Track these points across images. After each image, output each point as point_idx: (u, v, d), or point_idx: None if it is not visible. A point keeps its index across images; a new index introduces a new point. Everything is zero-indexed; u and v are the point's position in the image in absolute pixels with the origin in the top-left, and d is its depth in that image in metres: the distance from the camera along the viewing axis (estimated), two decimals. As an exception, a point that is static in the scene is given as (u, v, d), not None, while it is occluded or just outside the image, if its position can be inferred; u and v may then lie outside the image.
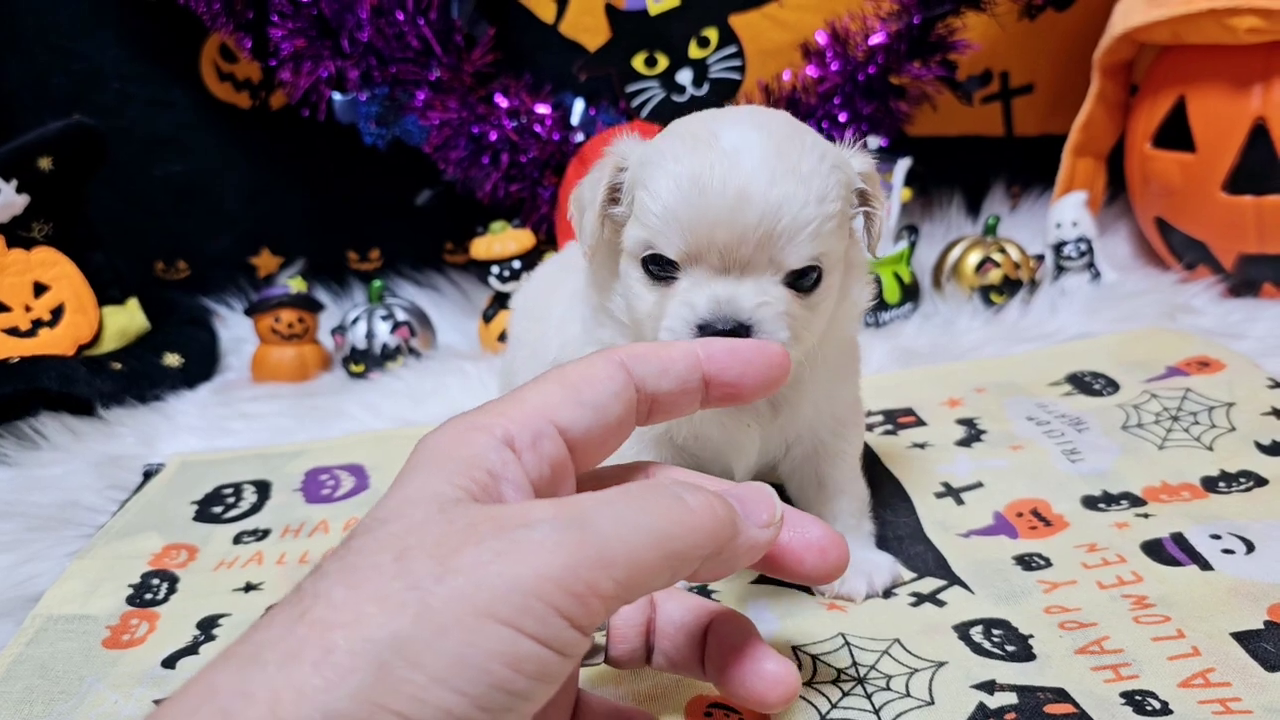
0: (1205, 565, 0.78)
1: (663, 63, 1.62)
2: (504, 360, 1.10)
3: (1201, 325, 1.28)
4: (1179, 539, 0.81)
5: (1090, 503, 0.89)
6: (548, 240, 1.57)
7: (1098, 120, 1.54)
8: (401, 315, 1.46)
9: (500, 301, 1.45)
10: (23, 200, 1.37)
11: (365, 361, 1.44)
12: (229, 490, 1.10)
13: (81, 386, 1.31)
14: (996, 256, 1.44)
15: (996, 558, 0.82)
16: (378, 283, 1.50)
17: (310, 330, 1.50)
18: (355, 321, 1.46)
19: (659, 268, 0.69)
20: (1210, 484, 0.90)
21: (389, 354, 1.44)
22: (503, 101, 1.53)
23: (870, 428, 1.08)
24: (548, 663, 0.42)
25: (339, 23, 1.46)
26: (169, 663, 0.78)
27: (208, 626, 0.83)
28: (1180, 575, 0.77)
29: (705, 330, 0.64)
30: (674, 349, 0.54)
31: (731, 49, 1.61)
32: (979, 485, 0.94)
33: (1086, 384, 1.13)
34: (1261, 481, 0.89)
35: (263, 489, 1.10)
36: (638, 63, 1.62)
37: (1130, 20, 1.39)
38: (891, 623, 0.74)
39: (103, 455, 1.21)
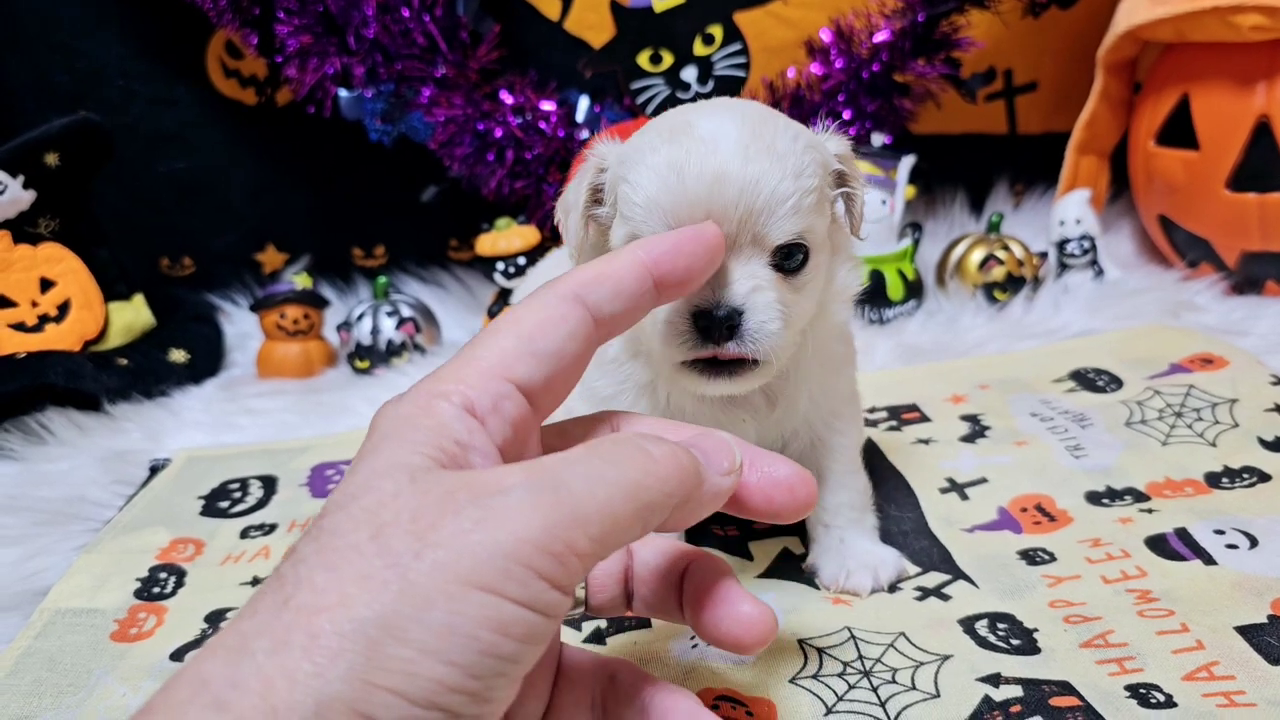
0: (1209, 560, 0.78)
1: (667, 60, 1.62)
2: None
3: (1204, 322, 1.28)
4: (1183, 534, 0.82)
5: (1094, 498, 0.90)
6: (552, 237, 1.57)
7: (1101, 118, 1.54)
8: (407, 311, 1.47)
9: (505, 298, 1.46)
10: (29, 196, 1.37)
11: (370, 358, 1.44)
12: (235, 485, 1.10)
13: (88, 382, 1.31)
14: (1000, 254, 1.44)
15: (1001, 553, 0.83)
16: (383, 279, 1.51)
17: (315, 326, 1.50)
18: (360, 318, 1.46)
19: None
20: (1214, 480, 0.91)
21: (394, 350, 1.44)
22: (508, 98, 1.53)
23: (874, 423, 1.09)
24: (533, 625, 0.42)
25: (345, 19, 1.46)
26: (177, 656, 0.79)
27: (215, 620, 0.84)
28: (1184, 570, 0.77)
29: (699, 319, 0.65)
30: (620, 263, 0.54)
31: (736, 46, 1.61)
32: (983, 481, 0.94)
33: (1090, 380, 1.13)
34: (1265, 477, 0.90)
35: (269, 484, 1.10)
36: (643, 60, 1.62)
37: (1134, 18, 1.40)
38: (897, 617, 0.75)
39: (109, 450, 1.21)
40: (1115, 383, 1.11)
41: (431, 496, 0.43)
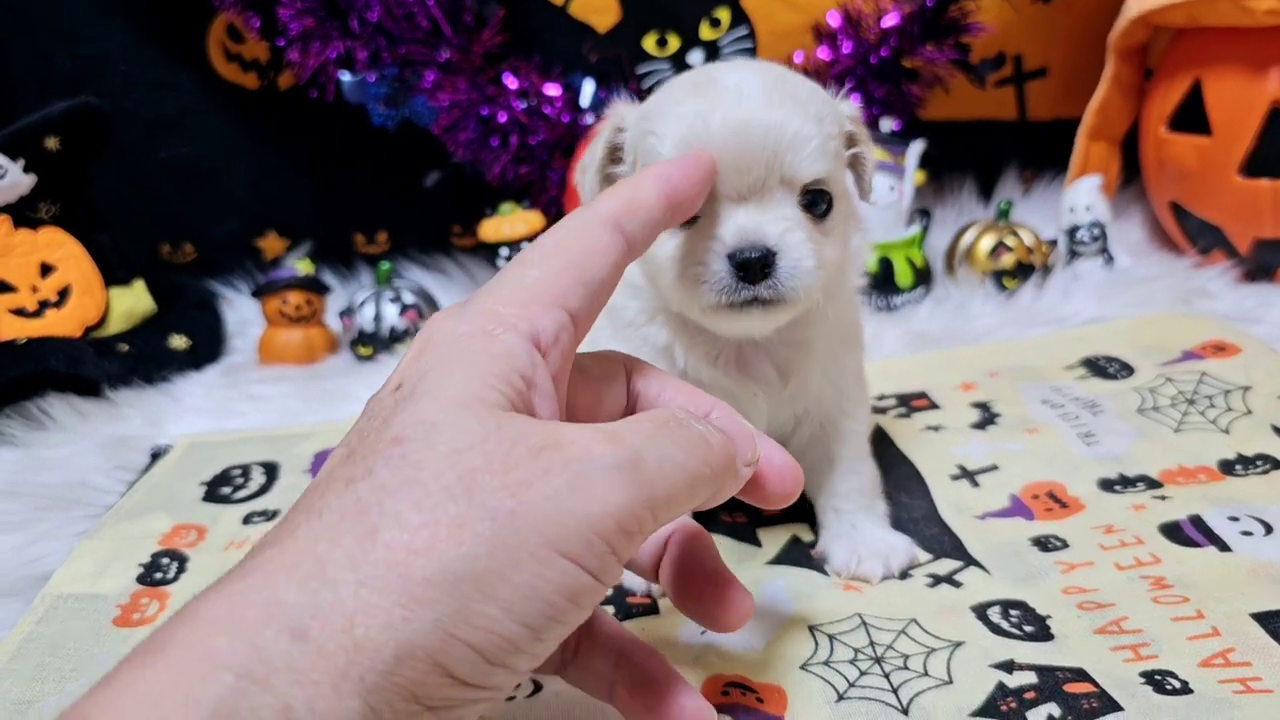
0: (1224, 547, 0.77)
1: (674, 44, 1.61)
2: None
3: (1216, 310, 1.26)
4: (1197, 521, 0.81)
5: (1107, 485, 0.89)
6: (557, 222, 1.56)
7: (1112, 104, 1.53)
8: (409, 298, 1.46)
9: (509, 284, 1.44)
10: (29, 180, 1.36)
11: (373, 344, 1.43)
12: (237, 471, 1.09)
13: (89, 368, 1.31)
14: (1009, 241, 1.43)
15: (1013, 539, 0.82)
16: (385, 265, 1.50)
17: (317, 313, 1.49)
18: (363, 304, 1.45)
19: None
20: (1227, 467, 0.90)
21: (397, 336, 1.43)
22: (512, 83, 1.52)
23: (883, 411, 1.07)
24: (596, 594, 0.44)
25: (347, 3, 1.45)
26: (179, 641, 0.78)
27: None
28: (1198, 556, 0.76)
29: (734, 260, 0.66)
30: (645, 192, 0.55)
31: (743, 30, 1.59)
32: (994, 468, 0.93)
33: (1101, 368, 1.12)
34: (1278, 464, 0.89)
35: (271, 470, 1.09)
36: (648, 44, 1.61)
37: (1146, 3, 1.38)
38: (908, 603, 0.74)
39: (110, 436, 1.20)
40: (1127, 370, 1.10)
41: (521, 449, 0.44)
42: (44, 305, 1.38)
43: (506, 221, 1.45)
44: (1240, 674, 0.63)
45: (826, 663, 0.67)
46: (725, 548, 0.83)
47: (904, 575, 0.78)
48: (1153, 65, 1.53)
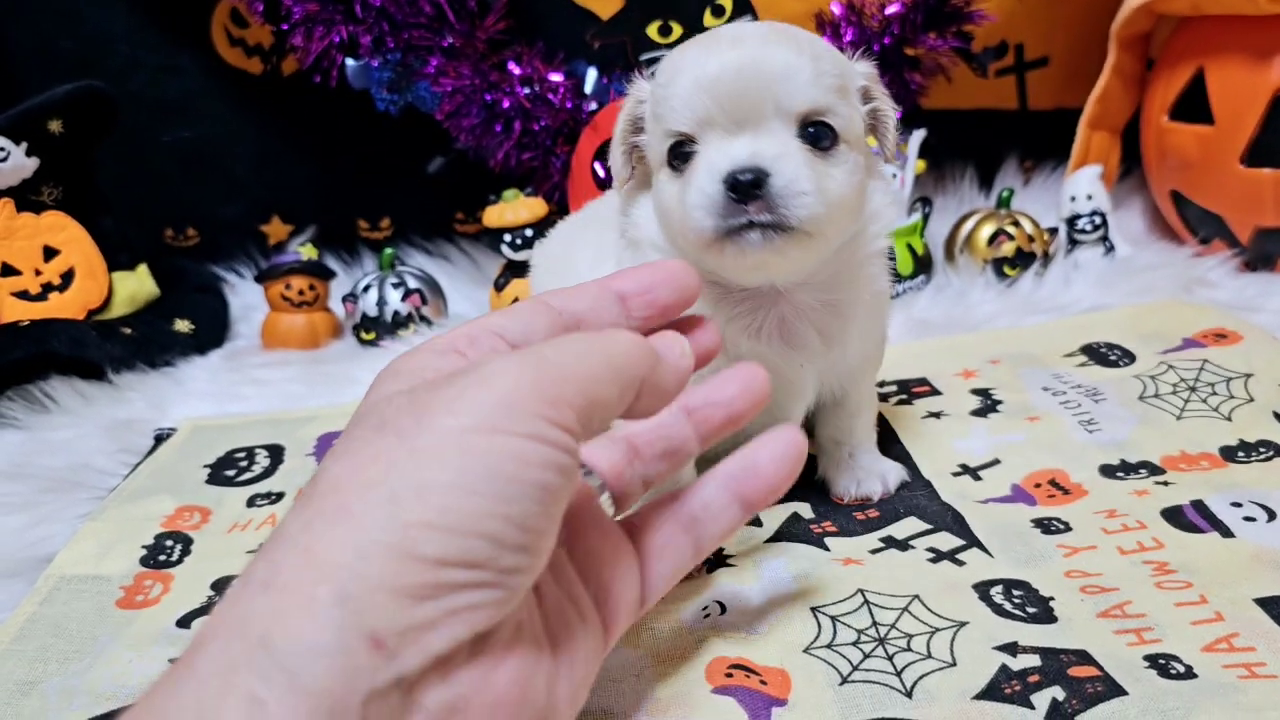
0: (1227, 532, 0.77)
1: (677, 31, 1.60)
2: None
3: (1217, 299, 1.27)
4: (1199, 506, 0.81)
5: (1109, 471, 0.89)
6: (560, 209, 1.55)
7: (1114, 93, 1.53)
8: (413, 283, 1.46)
9: (512, 269, 1.44)
10: (32, 163, 1.36)
11: (377, 329, 1.43)
12: (241, 454, 1.09)
13: (92, 350, 1.30)
14: (1010, 229, 1.43)
15: (1015, 521, 0.82)
16: (389, 250, 1.50)
17: (321, 298, 1.49)
18: (366, 289, 1.45)
19: (681, 160, 0.73)
20: (1229, 453, 0.90)
21: (400, 322, 1.43)
22: (515, 69, 1.52)
23: (885, 397, 1.08)
24: (547, 456, 0.46)
25: (351, -12, 1.45)
26: (184, 623, 0.78)
27: (222, 587, 0.83)
28: (1201, 542, 0.77)
29: (729, 183, 0.68)
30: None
31: (746, 18, 1.59)
32: (996, 463, 0.93)
33: (1102, 355, 1.12)
34: (1280, 451, 0.89)
35: (275, 453, 1.09)
36: (652, 31, 1.60)
37: (1149, -9, 1.38)
38: (911, 578, 0.74)
39: (113, 419, 1.20)
40: (1128, 357, 1.10)
41: (423, 390, 0.48)
42: (47, 289, 1.38)
43: (510, 208, 1.45)
44: (1244, 659, 0.63)
45: (830, 646, 0.67)
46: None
47: (905, 547, 0.79)
48: (1155, 54, 1.53)
